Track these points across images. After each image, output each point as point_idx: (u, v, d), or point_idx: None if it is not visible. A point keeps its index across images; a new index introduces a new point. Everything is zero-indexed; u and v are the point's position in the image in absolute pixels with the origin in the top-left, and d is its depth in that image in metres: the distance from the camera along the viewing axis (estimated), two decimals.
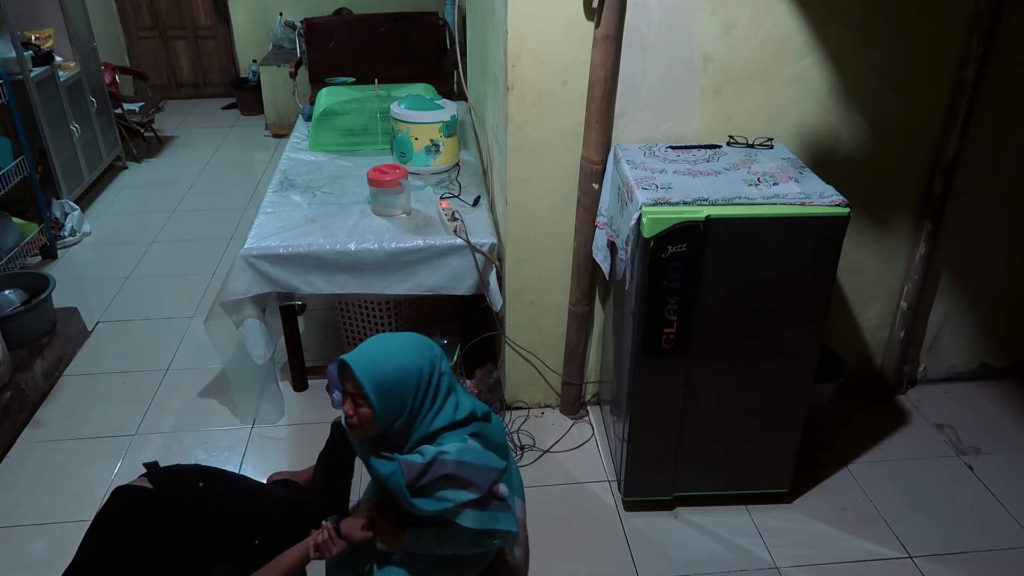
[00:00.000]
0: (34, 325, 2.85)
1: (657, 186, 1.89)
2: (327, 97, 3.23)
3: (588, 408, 2.66)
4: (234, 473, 2.12)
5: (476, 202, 2.67)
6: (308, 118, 3.44)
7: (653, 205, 1.81)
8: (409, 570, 1.82)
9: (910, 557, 2.11)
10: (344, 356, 1.65)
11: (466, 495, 1.69)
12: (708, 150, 2.12)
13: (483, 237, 2.45)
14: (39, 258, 3.79)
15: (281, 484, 2.22)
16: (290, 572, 1.76)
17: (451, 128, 2.86)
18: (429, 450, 1.68)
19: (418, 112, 2.82)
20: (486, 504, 1.77)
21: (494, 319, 2.58)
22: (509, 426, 2.55)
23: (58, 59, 4.17)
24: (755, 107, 2.19)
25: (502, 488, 1.80)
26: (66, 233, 3.96)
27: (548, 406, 2.67)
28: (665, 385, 2.03)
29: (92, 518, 1.80)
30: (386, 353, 1.67)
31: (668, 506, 2.25)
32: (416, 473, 1.66)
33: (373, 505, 1.84)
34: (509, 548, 1.90)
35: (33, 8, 4.19)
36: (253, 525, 1.92)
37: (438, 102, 2.92)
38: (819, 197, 1.84)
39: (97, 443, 2.55)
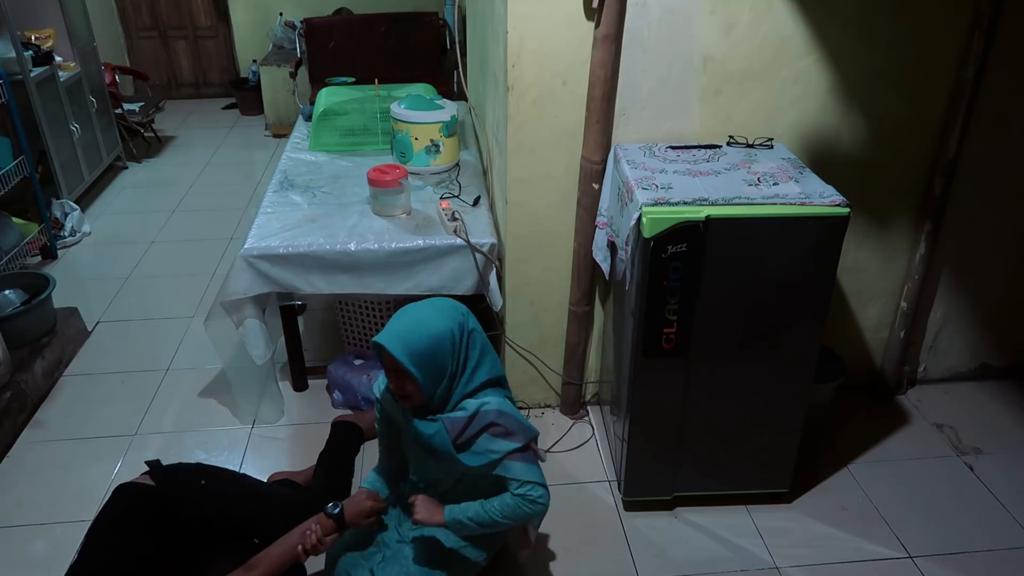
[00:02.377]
0: (34, 325, 2.85)
1: (657, 186, 1.89)
2: (327, 97, 3.23)
3: (588, 408, 2.66)
4: (235, 472, 2.13)
5: (476, 202, 2.67)
6: (308, 118, 3.44)
7: (653, 205, 1.81)
8: (423, 549, 1.84)
9: (910, 557, 2.11)
10: (376, 338, 1.67)
11: (509, 444, 1.71)
12: (708, 150, 2.12)
13: (483, 237, 2.45)
14: (39, 258, 3.79)
15: (281, 484, 2.22)
16: (281, 567, 1.76)
17: (451, 128, 2.86)
18: (471, 403, 1.72)
19: (418, 112, 2.82)
20: (530, 455, 1.78)
21: (494, 319, 2.58)
22: None
23: (58, 59, 4.17)
24: (755, 107, 2.19)
25: (542, 452, 1.82)
26: (66, 233, 3.96)
27: (548, 406, 2.67)
28: (665, 385, 2.03)
29: (93, 517, 1.80)
30: (416, 324, 1.69)
31: (668, 506, 2.25)
32: (460, 428, 1.70)
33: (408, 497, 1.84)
34: (531, 526, 1.91)
35: (33, 8, 4.19)
36: (254, 524, 1.92)
37: (438, 102, 2.92)
38: (819, 197, 1.84)
39: (97, 443, 2.55)
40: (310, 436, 2.52)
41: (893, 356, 2.63)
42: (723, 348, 1.98)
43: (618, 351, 2.21)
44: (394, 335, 1.67)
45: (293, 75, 5.38)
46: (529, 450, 1.77)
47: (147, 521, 1.79)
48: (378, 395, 1.88)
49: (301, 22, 5.30)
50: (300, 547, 1.74)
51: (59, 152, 4.05)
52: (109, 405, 2.73)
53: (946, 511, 2.25)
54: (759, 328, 1.96)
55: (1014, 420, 2.62)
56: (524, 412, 2.63)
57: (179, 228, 4.19)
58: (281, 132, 5.58)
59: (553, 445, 2.50)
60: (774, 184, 1.90)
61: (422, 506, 1.79)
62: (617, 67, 2.08)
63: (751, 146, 2.15)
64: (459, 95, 4.10)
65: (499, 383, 1.80)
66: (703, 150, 2.12)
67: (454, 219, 2.48)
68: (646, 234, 1.81)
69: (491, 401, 1.72)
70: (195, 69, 6.60)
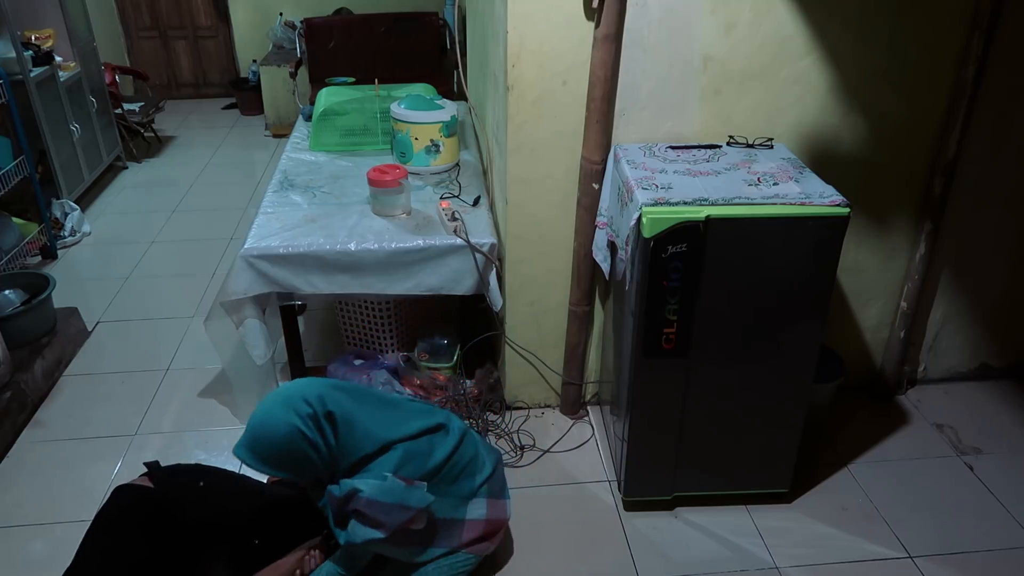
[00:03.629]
0: (34, 325, 2.85)
1: (657, 186, 1.89)
2: (327, 97, 3.23)
3: (588, 408, 2.66)
4: (234, 472, 2.12)
5: (476, 202, 2.67)
6: (308, 118, 3.44)
7: (653, 205, 1.81)
8: None
9: (910, 557, 2.11)
10: (234, 449, 1.70)
11: (372, 533, 1.70)
12: (708, 150, 2.12)
13: (483, 237, 2.45)
14: (39, 258, 3.79)
15: (281, 484, 2.21)
16: None
17: (451, 128, 2.86)
18: (346, 484, 1.71)
19: (418, 112, 2.82)
20: (397, 541, 1.77)
21: (494, 319, 2.58)
22: (509, 426, 2.55)
23: (58, 59, 4.17)
24: (755, 107, 2.19)
25: (418, 525, 1.78)
26: (66, 233, 3.96)
27: (548, 406, 2.67)
28: (665, 385, 2.03)
29: (93, 517, 1.80)
30: (260, 433, 1.68)
31: (668, 506, 2.25)
32: (336, 504, 1.71)
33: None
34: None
35: (33, 8, 4.19)
36: (253, 524, 1.92)
37: (438, 102, 2.92)
38: (819, 197, 1.84)
39: (97, 443, 2.55)
40: None
41: (893, 356, 2.63)
42: (723, 348, 1.98)
43: (618, 351, 2.21)
44: (244, 446, 1.68)
45: (293, 75, 5.38)
46: (396, 537, 1.74)
47: (145, 523, 1.79)
48: None
49: (301, 22, 5.30)
50: (299, 572, 1.75)
51: (59, 152, 4.05)
52: (109, 405, 2.73)
53: (946, 511, 2.25)
54: (759, 328, 1.96)
55: (1014, 420, 2.62)
56: (524, 412, 2.63)
57: (179, 228, 4.19)
58: (281, 132, 5.59)
59: (553, 445, 2.50)
60: (774, 184, 1.90)
61: None
62: (617, 67, 2.08)
63: (751, 146, 2.15)
64: (459, 95, 4.10)
65: (385, 449, 1.75)
66: (703, 150, 2.12)
67: (454, 219, 2.48)
68: (646, 234, 1.81)
69: (364, 488, 1.69)
70: (195, 69, 6.60)
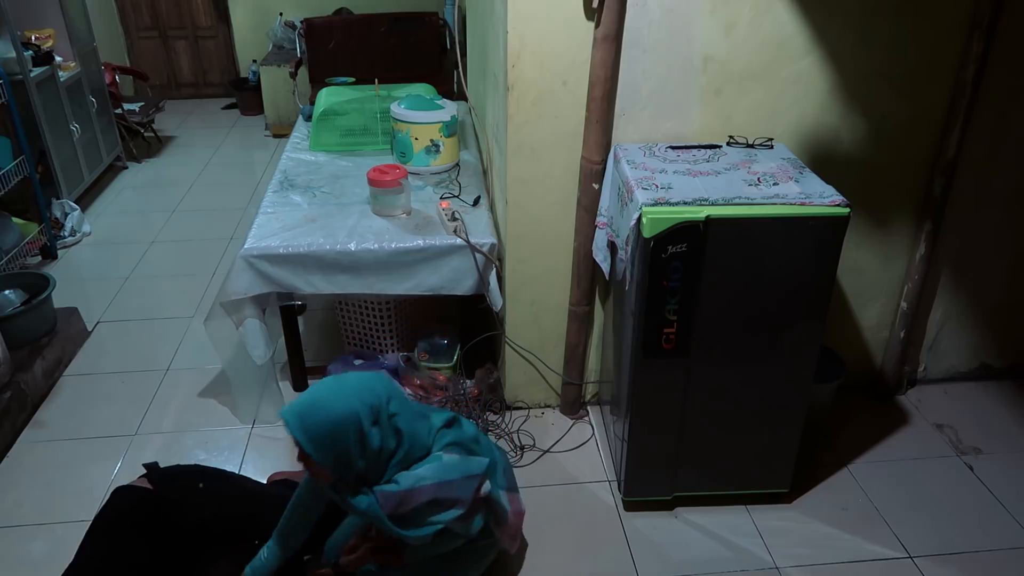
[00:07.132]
0: (34, 325, 2.85)
1: (657, 186, 1.89)
2: (327, 97, 3.23)
3: (588, 408, 2.66)
4: (234, 473, 2.13)
5: (476, 202, 2.67)
6: (308, 118, 3.45)
7: (653, 205, 1.81)
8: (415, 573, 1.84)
9: (910, 557, 2.11)
10: (281, 409, 1.61)
11: (454, 513, 1.69)
12: (708, 150, 2.12)
13: (483, 237, 2.45)
14: (39, 258, 3.79)
15: (281, 484, 2.22)
16: None
17: (451, 128, 2.86)
18: (405, 477, 1.66)
19: (418, 112, 2.82)
20: (475, 511, 1.78)
21: (494, 319, 2.58)
22: (509, 426, 2.55)
23: (58, 59, 4.17)
24: (755, 107, 2.19)
25: (485, 488, 1.79)
26: (66, 233, 3.96)
27: (548, 406, 2.67)
28: (665, 385, 2.03)
29: (92, 518, 1.80)
30: (317, 404, 1.60)
31: (668, 506, 2.25)
32: (395, 502, 1.64)
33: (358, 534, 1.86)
34: (499, 532, 1.91)
35: (33, 8, 4.19)
36: (253, 526, 1.92)
37: (438, 102, 2.92)
38: (819, 197, 1.84)
39: (97, 443, 2.55)
40: None
41: (893, 356, 2.63)
42: (723, 348, 1.98)
43: (618, 351, 2.21)
44: (295, 412, 1.59)
45: (293, 75, 5.38)
46: (474, 507, 1.73)
47: (144, 525, 1.79)
48: None
49: (301, 22, 5.30)
50: None
51: (59, 152, 4.05)
52: (109, 405, 2.73)
53: (946, 511, 2.25)
54: (759, 328, 1.96)
55: (1014, 420, 2.62)
56: (524, 412, 2.63)
57: (179, 228, 4.19)
58: (281, 132, 5.59)
59: (553, 445, 2.50)
60: (774, 184, 1.90)
61: (381, 556, 1.81)
62: (617, 67, 2.08)
63: (751, 146, 2.15)
64: (459, 95, 4.10)
65: (430, 451, 1.73)
66: (703, 150, 2.12)
67: (454, 219, 2.48)
68: (646, 234, 1.81)
69: (427, 475, 1.65)
70: (195, 69, 6.60)
